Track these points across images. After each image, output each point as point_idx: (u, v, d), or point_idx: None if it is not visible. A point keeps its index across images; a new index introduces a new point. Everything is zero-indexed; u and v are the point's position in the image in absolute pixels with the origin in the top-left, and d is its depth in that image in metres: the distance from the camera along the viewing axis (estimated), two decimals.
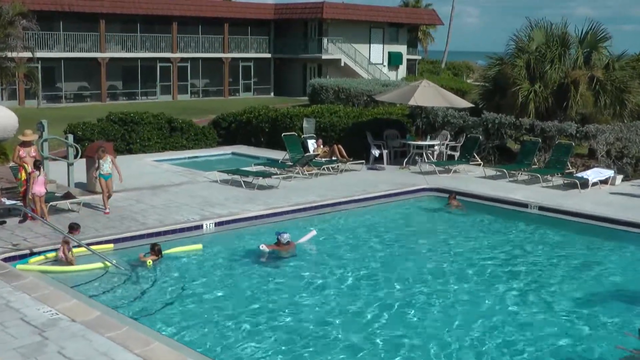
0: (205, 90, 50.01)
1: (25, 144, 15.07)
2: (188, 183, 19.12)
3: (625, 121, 23.45)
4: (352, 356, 9.06)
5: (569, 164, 20.94)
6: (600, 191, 18.96)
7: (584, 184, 19.22)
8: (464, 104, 23.54)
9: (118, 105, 39.45)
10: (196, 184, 19.06)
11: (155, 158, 23.42)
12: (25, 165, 14.68)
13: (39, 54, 35.91)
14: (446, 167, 21.93)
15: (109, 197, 15.43)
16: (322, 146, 22.90)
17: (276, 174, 19.94)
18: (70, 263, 12.14)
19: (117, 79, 46.14)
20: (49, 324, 9.08)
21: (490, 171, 21.52)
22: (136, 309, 10.41)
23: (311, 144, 23.24)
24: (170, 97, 47.23)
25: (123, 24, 45.37)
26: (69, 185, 17.35)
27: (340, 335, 9.65)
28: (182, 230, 14.43)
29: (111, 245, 13.26)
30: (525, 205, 17.37)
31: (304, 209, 16.64)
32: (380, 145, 23.16)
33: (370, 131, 23.39)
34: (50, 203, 14.95)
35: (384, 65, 53.76)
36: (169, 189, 18.14)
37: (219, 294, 11.29)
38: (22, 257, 12.24)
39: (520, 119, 22.98)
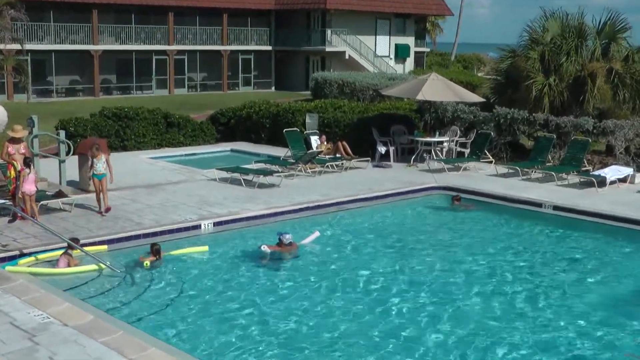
0: (203, 84, 50.05)
1: (15, 141, 15.10)
2: (185, 181, 19.13)
3: None
4: None
5: (585, 162, 20.92)
6: (619, 190, 18.93)
7: (602, 182, 19.19)
8: (475, 98, 23.52)
9: (112, 99, 39.51)
10: (194, 182, 19.06)
11: (151, 155, 23.44)
12: (15, 163, 14.70)
13: (29, 46, 36.02)
14: (456, 164, 21.91)
15: (99, 196, 15.31)
16: (325, 143, 22.90)
17: (277, 171, 19.93)
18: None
19: (111, 72, 46.20)
20: (39, 329, 9.09)
21: (502, 169, 21.50)
22: (131, 313, 10.40)
23: (314, 140, 23.24)
24: (166, 91, 47.27)
25: (117, 14, 45.42)
26: (60, 183, 17.37)
27: (344, 343, 9.63)
28: (179, 230, 14.44)
29: (105, 247, 13.27)
30: (539, 205, 17.34)
31: (307, 209, 16.64)
32: (386, 141, 23.15)
33: (376, 127, 23.37)
34: (41, 202, 14.97)
35: (391, 58, 53.75)
36: (165, 188, 18.15)
37: (218, 297, 11.29)
38: (12, 259, 12.24)
39: (534, 114, 22.95)
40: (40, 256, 12.42)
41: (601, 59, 24.14)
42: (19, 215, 14.18)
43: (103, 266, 12.16)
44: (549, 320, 10.63)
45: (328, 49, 49.65)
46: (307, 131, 24.03)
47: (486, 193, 18.49)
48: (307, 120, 24.87)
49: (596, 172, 19.97)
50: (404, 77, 37.97)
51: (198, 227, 14.78)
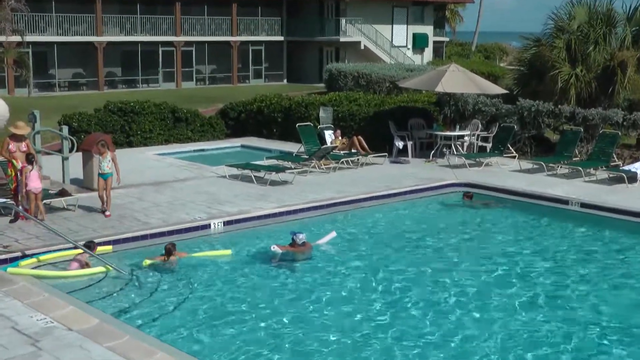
0: (211, 77, 50.12)
1: (17, 137, 15.01)
2: (194, 178, 19.16)
3: None
4: None
5: (614, 156, 20.80)
6: None
7: (632, 177, 19.06)
8: (497, 90, 23.43)
9: (117, 93, 39.63)
10: (203, 179, 19.09)
11: (158, 151, 23.50)
12: (14, 161, 14.70)
13: (30, 38, 36.13)
14: (477, 159, 21.84)
15: (104, 199, 15.17)
16: (340, 137, 22.87)
17: (290, 168, 19.93)
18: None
19: (116, 65, 46.34)
20: (43, 333, 9.11)
21: (526, 164, 21.40)
22: (138, 316, 10.42)
23: (328, 135, 23.22)
24: (173, 84, 47.37)
25: (121, 4, 45.52)
26: (63, 181, 17.44)
27: (362, 354, 9.58)
28: (187, 230, 14.46)
29: (110, 247, 13.30)
30: (566, 202, 17.25)
31: (321, 207, 16.63)
32: (404, 136, 23.11)
33: (394, 121, 23.33)
34: (44, 201, 15.02)
35: (408, 48, 53.61)
36: (173, 185, 18.18)
37: (228, 299, 11.29)
38: (13, 260, 12.28)
39: (559, 106, 22.84)
40: (43, 257, 12.45)
41: (632, 47, 23.98)
42: (21, 214, 14.23)
43: (109, 268, 12.19)
44: (576, 321, 10.58)
45: (342, 39, 49.57)
46: (321, 125, 24.01)
47: (509, 190, 18.42)
48: (321, 114, 24.84)
49: (626, 167, 19.83)
50: (422, 68, 37.87)
51: (207, 226, 14.79)
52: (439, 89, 22.26)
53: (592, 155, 21.01)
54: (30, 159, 14.51)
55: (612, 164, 20.35)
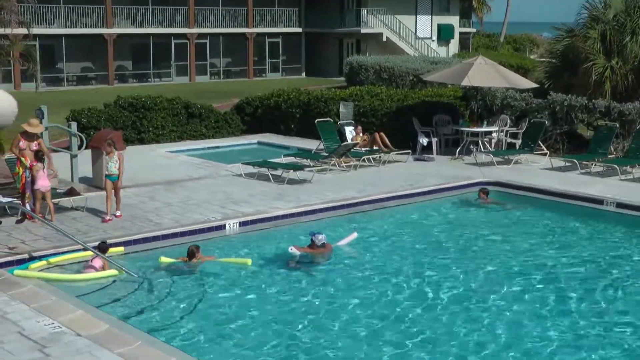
0: (226, 71, 50.24)
1: (28, 135, 15.05)
2: (208, 177, 19.20)
3: None
4: None
5: None
6: None
7: None
8: (527, 83, 23.31)
9: (127, 88, 39.78)
10: (217, 178, 19.13)
11: (171, 149, 23.58)
12: (23, 159, 14.75)
13: (37, 31, 36.32)
14: (506, 157, 21.74)
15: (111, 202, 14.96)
16: (361, 134, 22.84)
17: (309, 166, 19.92)
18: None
19: (126, 58, 46.54)
20: (50, 339, 9.15)
21: (558, 162, 21.28)
22: (150, 322, 10.45)
23: (349, 131, 23.20)
24: (187, 78, 47.52)
25: None
26: (72, 180, 17.52)
27: None
28: (201, 231, 14.48)
29: (121, 249, 13.36)
30: (601, 202, 17.13)
31: (341, 207, 16.62)
32: (428, 132, 23.03)
33: (417, 116, 23.27)
34: (52, 200, 15.09)
35: (433, 40, 53.46)
36: (186, 184, 18.23)
37: (245, 304, 11.29)
38: (20, 262, 12.35)
39: (593, 100, 22.68)
40: (53, 260, 12.51)
41: None
42: (29, 215, 14.30)
43: (120, 271, 12.21)
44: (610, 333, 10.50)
45: (364, 30, 49.50)
46: (341, 121, 23.98)
47: (540, 189, 18.31)
48: (341, 109, 24.81)
49: None
50: (447, 60, 37.75)
51: (222, 227, 14.82)
52: (466, 82, 22.17)
53: (629, 152, 20.85)
54: (40, 156, 14.55)
55: None
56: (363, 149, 22.04)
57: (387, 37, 49.78)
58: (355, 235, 14.47)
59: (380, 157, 21.67)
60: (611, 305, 11.50)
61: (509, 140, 23.11)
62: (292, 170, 18.91)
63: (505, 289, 12.09)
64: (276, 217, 15.60)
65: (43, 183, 14.36)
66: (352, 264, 13.37)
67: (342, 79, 42.06)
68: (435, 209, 17.49)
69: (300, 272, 12.80)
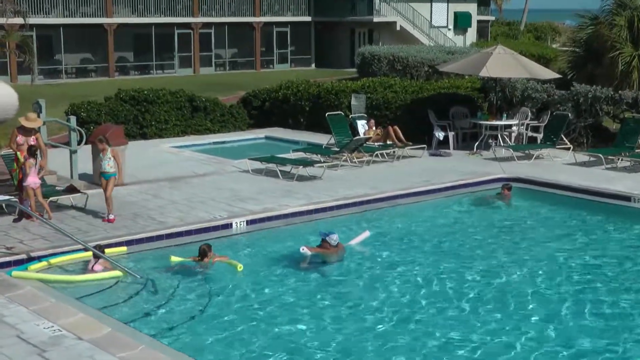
0: (232, 62, 50.26)
1: (26, 130, 15.12)
2: (214, 173, 19.24)
3: None
4: None
5: None
6: None
7: None
8: (549, 74, 23.25)
9: (129, 80, 39.87)
10: (223, 174, 19.16)
11: (175, 144, 23.62)
12: (20, 155, 14.78)
13: (33, 20, 36.39)
14: (527, 152, 21.71)
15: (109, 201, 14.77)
16: (374, 128, 22.82)
17: (319, 162, 19.93)
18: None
19: (128, 49, 46.60)
20: (50, 343, 9.19)
21: (582, 156, 21.23)
22: (154, 325, 10.49)
23: (361, 125, 23.17)
24: (190, 70, 47.58)
25: None
26: (72, 177, 17.57)
27: None
28: (207, 230, 14.52)
29: (124, 248, 13.41)
30: (628, 199, 17.09)
31: (353, 204, 16.63)
32: (445, 126, 23.00)
33: (433, 109, 23.24)
34: (50, 198, 15.15)
35: (449, 29, 53.37)
36: (191, 181, 18.27)
37: (251, 307, 11.31)
38: (18, 263, 12.41)
39: (620, 91, 22.60)
40: (53, 260, 12.56)
41: None
42: (27, 213, 14.33)
43: (122, 272, 12.25)
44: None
45: (376, 19, 49.46)
46: (353, 115, 23.96)
47: (563, 185, 18.28)
48: (353, 102, 24.80)
49: None
50: (464, 50, 37.68)
51: (229, 226, 14.85)
52: (484, 73, 22.12)
53: None
54: (33, 151, 14.55)
55: None
56: (376, 143, 22.00)
57: (400, 26, 49.72)
58: (367, 234, 14.49)
59: (394, 152, 21.65)
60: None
61: (529, 134, 23.05)
62: (301, 166, 18.92)
63: (530, 291, 12.03)
64: (285, 215, 15.62)
65: (33, 179, 14.39)
66: (365, 264, 13.38)
67: (354, 70, 42.03)
68: (452, 206, 17.48)
69: (312, 273, 12.82)
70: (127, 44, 46.13)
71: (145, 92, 25.09)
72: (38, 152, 14.69)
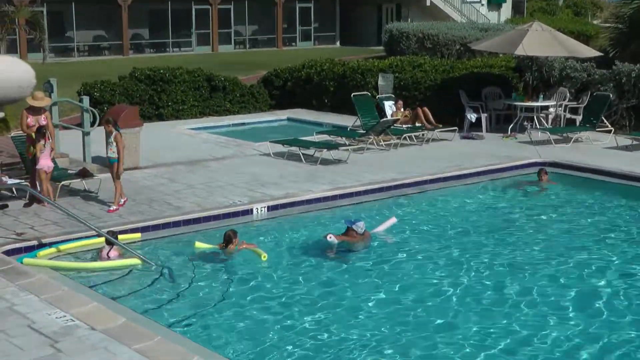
0: (253, 40, 50.23)
1: (35, 110, 15.19)
2: (233, 157, 19.29)
3: None
4: None
5: None
6: None
7: None
8: (589, 52, 23.09)
9: (144, 59, 39.96)
10: (243, 157, 19.20)
11: (192, 126, 23.70)
12: (33, 135, 14.83)
13: None
14: (564, 134, 21.61)
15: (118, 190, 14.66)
16: (402, 109, 22.78)
17: (344, 144, 19.92)
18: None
19: (143, 26, 46.69)
20: (62, 333, 9.23)
21: (625, 140, 21.11)
22: (171, 315, 10.51)
23: (388, 106, 23.14)
24: (209, 48, 47.61)
25: None
26: (84, 160, 17.66)
27: None
28: (226, 216, 14.55)
29: (138, 235, 13.46)
30: None
31: (380, 189, 16.63)
32: (477, 107, 22.93)
33: (465, 89, 23.16)
34: (62, 182, 15.24)
35: (483, 4, 53.06)
36: (209, 165, 18.32)
37: (273, 297, 11.32)
38: (29, 250, 12.50)
39: None
40: (63, 247, 12.64)
41: None
42: (38, 197, 14.39)
43: (138, 259, 12.31)
44: None
45: None
46: (380, 95, 23.93)
47: (604, 170, 18.19)
48: (380, 81, 24.75)
49: None
50: (499, 27, 37.46)
51: (249, 212, 14.87)
52: (519, 51, 22.01)
53: None
54: (43, 132, 14.55)
55: None
56: (404, 125, 21.98)
57: (431, 1, 49.49)
58: (394, 220, 14.45)
59: (423, 134, 21.61)
60: None
61: (568, 115, 22.95)
62: (325, 150, 18.92)
63: (573, 283, 11.93)
64: (308, 201, 15.64)
65: (46, 162, 14.43)
66: (392, 252, 13.36)
67: (381, 48, 41.88)
68: (484, 193, 17.43)
69: (337, 262, 12.79)
70: (142, 20, 46.23)
71: (162, 71, 25.15)
72: (48, 133, 14.74)
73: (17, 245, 12.52)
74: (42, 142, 14.46)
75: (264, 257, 12.58)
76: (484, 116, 22.77)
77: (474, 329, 10.22)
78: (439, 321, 10.50)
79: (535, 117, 22.61)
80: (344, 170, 17.89)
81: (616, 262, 12.85)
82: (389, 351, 9.56)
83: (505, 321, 10.48)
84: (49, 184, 14.55)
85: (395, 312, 10.83)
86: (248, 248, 12.86)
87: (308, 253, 13.14)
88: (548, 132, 21.54)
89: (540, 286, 11.76)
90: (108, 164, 15.01)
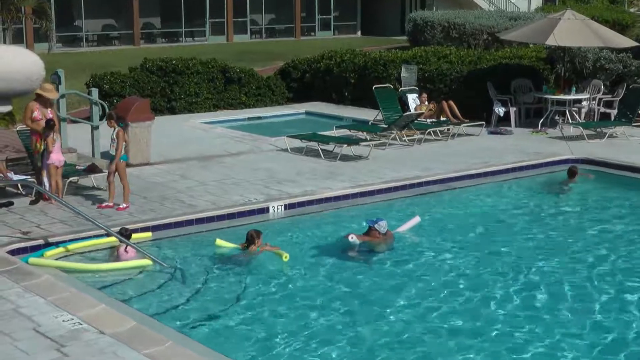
0: (269, 29, 50.21)
1: (43, 102, 15.16)
2: (249, 152, 19.31)
3: None
4: None
5: None
6: None
7: None
8: (625, 42, 22.97)
9: (156, 49, 40.02)
10: (259, 153, 19.22)
11: (206, 119, 23.73)
12: (40, 130, 14.83)
13: None
14: (599, 129, 21.53)
15: (125, 189, 14.61)
16: (426, 102, 22.75)
17: (365, 140, 19.90)
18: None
19: (154, 14, 46.74)
20: (69, 337, 9.26)
21: None
22: (183, 319, 10.53)
23: (412, 99, 23.12)
24: (224, 38, 47.61)
25: None
26: (93, 155, 17.72)
27: None
28: (241, 214, 14.57)
29: (149, 234, 13.50)
30: None
31: (403, 187, 16.62)
32: (506, 100, 22.85)
33: (493, 82, 23.09)
34: (70, 178, 15.29)
35: None
36: (223, 161, 18.35)
37: (290, 300, 11.32)
38: (35, 249, 12.53)
39: None
40: (71, 246, 12.68)
41: None
42: (45, 195, 14.43)
43: (149, 260, 12.33)
44: None
45: None
46: (403, 88, 23.89)
47: None
48: (403, 73, 24.71)
49: None
50: (529, 16, 37.30)
51: (265, 210, 14.89)
52: (551, 41, 21.93)
53: None
54: (52, 125, 14.58)
55: None
56: (428, 120, 21.95)
57: None
58: (418, 219, 14.43)
59: (448, 129, 21.57)
60: None
61: (602, 109, 22.86)
62: (345, 145, 18.91)
63: (610, 290, 11.85)
64: (327, 199, 15.64)
65: (57, 157, 14.46)
66: (415, 253, 13.35)
67: (404, 38, 41.78)
68: (514, 190, 17.41)
69: (359, 264, 12.80)
70: (154, 8, 46.28)
71: (174, 61, 25.18)
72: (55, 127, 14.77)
73: (23, 244, 12.57)
74: (52, 135, 14.48)
75: (285, 257, 12.55)
76: (512, 110, 22.69)
77: (504, 334, 10.22)
78: (466, 326, 10.48)
79: (567, 111, 22.52)
80: (364, 167, 17.88)
81: None
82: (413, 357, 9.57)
83: (533, 327, 10.45)
84: (59, 179, 14.57)
85: (420, 316, 10.82)
86: (271, 250, 12.80)
87: (327, 254, 13.13)
88: (581, 127, 21.43)
89: (576, 291, 11.72)
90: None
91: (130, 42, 44.78)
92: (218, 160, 18.35)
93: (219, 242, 13.06)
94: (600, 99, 22.90)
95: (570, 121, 22.22)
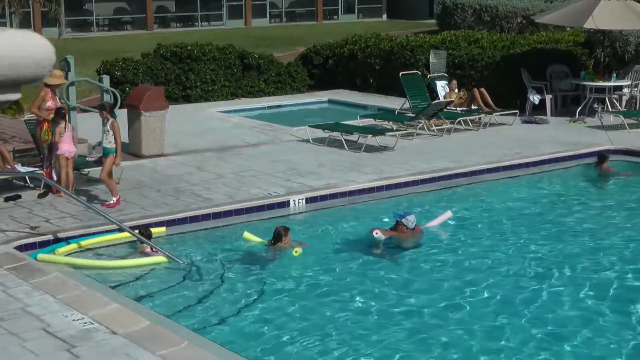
0: (290, 13, 50.19)
1: (53, 89, 15.22)
2: (268, 143, 19.33)
3: None
4: None
5: None
6: None
7: None
8: None
9: (170, 34, 40.08)
10: (279, 144, 19.24)
11: (223, 108, 23.78)
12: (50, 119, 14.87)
13: None
14: None
15: (116, 182, 14.71)
16: (456, 90, 22.69)
17: (391, 129, 19.87)
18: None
19: None
20: (80, 337, 9.29)
21: None
22: (198, 318, 10.56)
23: (441, 86, 23.07)
24: (242, 22, 47.64)
25: None
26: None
27: None
28: (260, 208, 14.59)
29: (163, 229, 13.52)
30: None
31: (432, 180, 16.60)
32: (541, 88, 22.76)
33: (527, 68, 23.00)
34: (80, 171, 15.33)
35: None
36: (241, 152, 18.37)
37: (312, 299, 11.31)
38: (44, 245, 12.59)
39: None
40: (84, 242, 12.71)
41: None
42: (54, 187, 14.48)
43: (164, 257, 12.36)
44: None
45: None
46: (432, 74, 23.84)
47: None
48: (432, 59, 24.66)
49: None
50: None
51: (286, 204, 14.90)
52: (589, 24, 21.80)
53: None
54: (63, 114, 14.64)
55: None
56: (459, 108, 21.89)
57: None
58: (449, 214, 14.41)
59: (480, 118, 21.50)
60: None
61: None
62: (370, 135, 18.89)
63: None
64: (351, 192, 15.63)
65: (68, 147, 14.49)
66: (446, 249, 13.32)
67: (433, 21, 41.72)
68: (550, 183, 17.36)
69: (386, 261, 12.79)
70: None
71: (189, 47, 25.24)
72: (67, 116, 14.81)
73: (31, 239, 12.63)
74: (63, 124, 14.51)
75: (296, 252, 12.57)
76: (548, 98, 22.58)
77: (539, 334, 10.17)
78: (499, 325, 10.44)
79: (607, 99, 22.43)
80: (390, 159, 17.86)
81: None
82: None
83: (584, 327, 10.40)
84: (70, 171, 14.59)
85: (451, 315, 10.79)
86: (292, 246, 12.72)
87: (352, 250, 13.14)
88: (621, 116, 21.32)
89: (619, 292, 11.63)
90: (101, 156, 14.76)
91: (143, 26, 44.87)
92: (236, 152, 18.37)
93: (246, 235, 13.08)
94: None
95: (610, 109, 22.13)
